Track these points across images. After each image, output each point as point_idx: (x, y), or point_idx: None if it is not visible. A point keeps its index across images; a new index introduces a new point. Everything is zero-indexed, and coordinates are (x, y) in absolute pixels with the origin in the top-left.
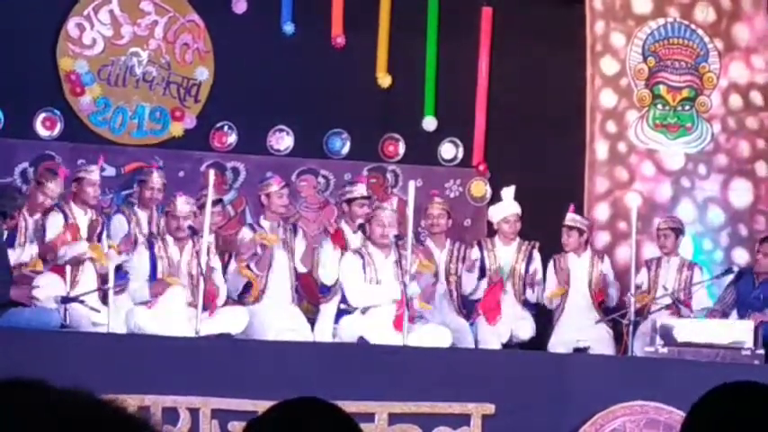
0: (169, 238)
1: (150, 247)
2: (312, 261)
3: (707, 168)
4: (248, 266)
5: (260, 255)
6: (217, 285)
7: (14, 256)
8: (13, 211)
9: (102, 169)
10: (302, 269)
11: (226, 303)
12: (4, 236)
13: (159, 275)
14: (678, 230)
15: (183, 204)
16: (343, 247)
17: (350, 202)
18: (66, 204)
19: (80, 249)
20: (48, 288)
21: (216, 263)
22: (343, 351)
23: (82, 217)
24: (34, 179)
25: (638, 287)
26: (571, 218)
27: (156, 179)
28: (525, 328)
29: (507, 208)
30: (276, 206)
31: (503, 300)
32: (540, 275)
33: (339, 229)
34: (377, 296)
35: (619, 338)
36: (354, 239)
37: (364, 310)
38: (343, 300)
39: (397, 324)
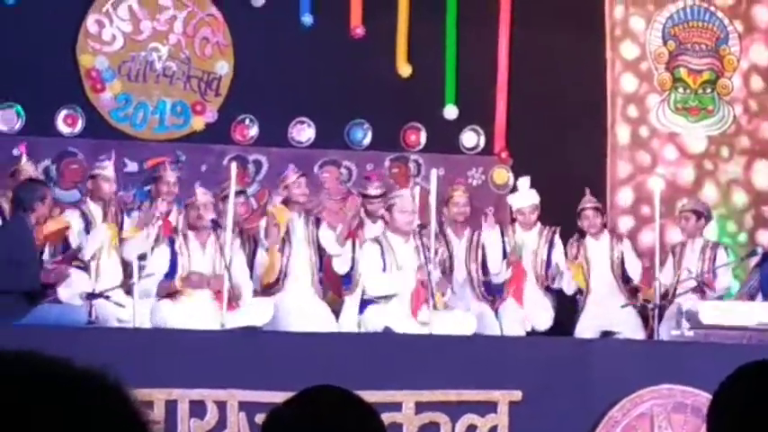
0: (190, 234)
1: (171, 243)
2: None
3: (729, 151)
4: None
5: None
6: (239, 282)
7: None
8: (33, 203)
9: (124, 165)
10: (338, 251)
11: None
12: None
13: (178, 273)
14: (699, 213)
15: (201, 195)
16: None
17: (365, 197)
18: (84, 202)
19: (100, 236)
20: (73, 284)
21: (238, 257)
22: (368, 341)
23: (98, 213)
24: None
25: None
26: (588, 199)
27: (170, 174)
28: (544, 318)
29: (522, 199)
30: (296, 195)
31: (525, 286)
32: (560, 262)
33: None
34: (393, 285)
35: (646, 322)
36: (374, 230)
37: (385, 300)
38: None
39: (414, 312)
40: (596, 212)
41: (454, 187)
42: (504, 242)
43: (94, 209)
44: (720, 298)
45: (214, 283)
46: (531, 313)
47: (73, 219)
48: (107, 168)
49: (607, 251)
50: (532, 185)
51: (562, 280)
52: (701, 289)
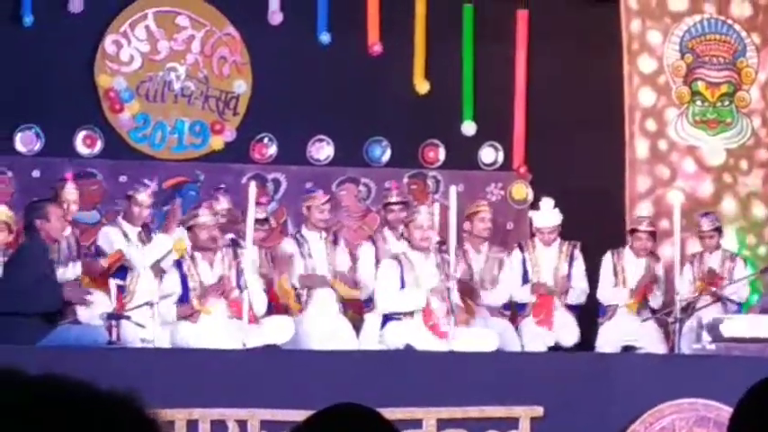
0: (197, 254)
1: (179, 266)
2: (354, 276)
3: (748, 163)
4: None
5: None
6: (253, 300)
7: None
8: (37, 222)
9: (143, 185)
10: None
11: (271, 313)
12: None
13: (191, 294)
14: (721, 228)
15: (206, 216)
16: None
17: (386, 206)
18: (116, 221)
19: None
20: (94, 305)
21: (254, 275)
22: (389, 358)
23: (132, 232)
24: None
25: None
26: (646, 221)
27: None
28: (570, 334)
29: (544, 219)
30: (316, 219)
31: (554, 314)
32: (580, 276)
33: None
34: (405, 303)
35: (667, 336)
36: (397, 246)
37: (404, 316)
38: None
39: (434, 330)
40: (650, 237)
41: (479, 203)
42: (524, 260)
43: (127, 227)
44: (739, 310)
45: (227, 285)
46: (557, 330)
47: (114, 235)
48: (141, 193)
49: (642, 270)
50: (550, 198)
51: (573, 294)
52: (723, 302)
